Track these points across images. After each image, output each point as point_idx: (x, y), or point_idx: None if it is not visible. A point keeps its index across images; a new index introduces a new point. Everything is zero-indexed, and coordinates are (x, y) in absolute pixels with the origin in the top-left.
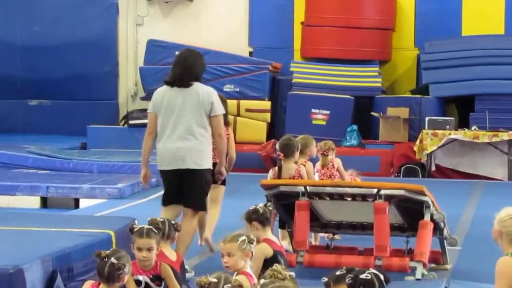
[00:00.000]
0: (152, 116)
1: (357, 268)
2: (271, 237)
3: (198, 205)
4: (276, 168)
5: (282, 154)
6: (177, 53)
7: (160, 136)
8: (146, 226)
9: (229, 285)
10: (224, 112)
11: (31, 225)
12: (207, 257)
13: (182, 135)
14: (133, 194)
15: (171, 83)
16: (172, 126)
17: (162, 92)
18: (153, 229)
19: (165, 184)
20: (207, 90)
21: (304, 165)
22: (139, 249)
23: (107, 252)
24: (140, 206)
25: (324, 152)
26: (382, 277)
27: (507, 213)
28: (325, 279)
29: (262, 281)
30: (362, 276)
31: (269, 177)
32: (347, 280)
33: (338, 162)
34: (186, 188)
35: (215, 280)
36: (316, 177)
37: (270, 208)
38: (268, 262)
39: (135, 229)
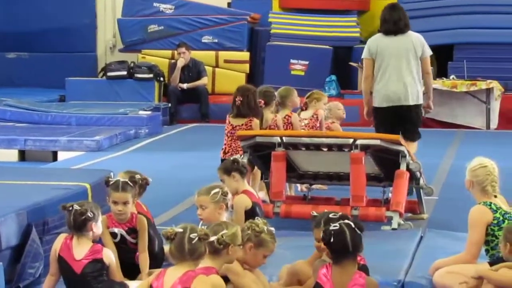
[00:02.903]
0: (369, 61)
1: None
2: (250, 189)
3: (414, 136)
4: None
5: (262, 102)
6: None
7: (380, 79)
8: (121, 180)
9: (195, 234)
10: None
11: (7, 179)
12: (185, 209)
13: (400, 76)
14: (111, 147)
15: (387, 32)
16: (390, 69)
17: (378, 39)
18: (129, 182)
19: (380, 121)
20: (417, 35)
21: (290, 116)
22: (115, 203)
23: (73, 203)
24: (118, 158)
25: (303, 107)
26: (353, 225)
27: (477, 163)
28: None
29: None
30: (332, 227)
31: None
32: (322, 236)
33: (321, 115)
34: (404, 122)
35: (180, 230)
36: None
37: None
38: (246, 214)
39: (111, 182)
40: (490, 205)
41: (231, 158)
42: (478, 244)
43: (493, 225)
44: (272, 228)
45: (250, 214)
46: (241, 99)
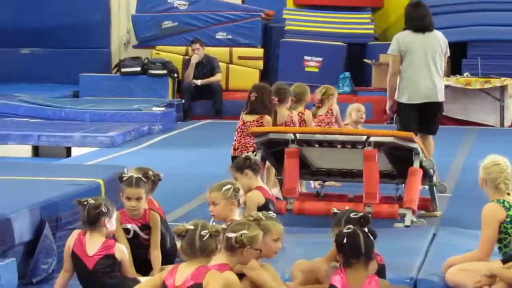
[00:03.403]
0: (398, 57)
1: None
2: (263, 185)
3: (436, 130)
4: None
5: (276, 99)
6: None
7: (411, 75)
8: (135, 175)
9: (206, 231)
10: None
11: (21, 174)
12: (197, 205)
13: (430, 74)
14: (125, 143)
15: (416, 29)
16: (421, 66)
17: (407, 36)
18: (142, 178)
19: (407, 116)
20: (441, 34)
21: (303, 113)
22: (128, 199)
23: (87, 198)
24: (132, 154)
25: (317, 103)
26: (367, 230)
27: (490, 160)
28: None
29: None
30: (345, 230)
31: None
32: (335, 239)
33: (336, 109)
34: (431, 118)
35: (192, 227)
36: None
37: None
38: (259, 210)
39: (124, 178)
40: (503, 203)
41: (243, 156)
42: (491, 242)
43: (506, 223)
44: (270, 213)
45: (263, 210)
46: (256, 95)
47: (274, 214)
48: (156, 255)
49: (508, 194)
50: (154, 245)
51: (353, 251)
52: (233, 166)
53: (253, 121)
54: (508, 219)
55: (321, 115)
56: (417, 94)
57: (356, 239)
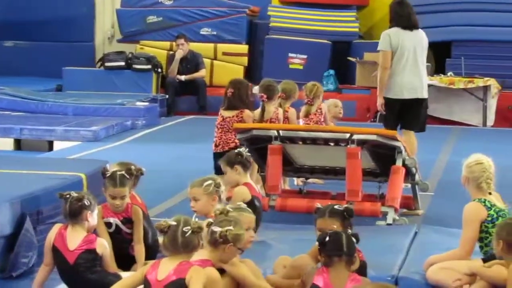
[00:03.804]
0: (389, 53)
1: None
2: (251, 182)
3: (420, 127)
4: (255, 111)
5: (265, 96)
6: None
7: (401, 71)
8: (118, 172)
9: (189, 227)
10: None
11: (2, 168)
12: (180, 201)
13: (417, 70)
14: (108, 137)
15: (405, 26)
16: (410, 62)
17: (398, 33)
18: (126, 175)
19: (392, 111)
20: (424, 33)
21: (287, 111)
22: (113, 198)
23: (70, 191)
24: (115, 149)
25: (309, 102)
26: (349, 232)
27: (474, 159)
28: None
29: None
30: (330, 231)
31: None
32: (317, 238)
33: (325, 108)
34: (416, 113)
35: (174, 223)
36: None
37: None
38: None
39: (107, 175)
40: (484, 202)
41: (236, 151)
42: (472, 240)
43: (487, 222)
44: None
45: (249, 206)
46: (233, 91)
47: (244, 205)
48: (139, 250)
49: (490, 193)
50: (137, 239)
51: (335, 250)
52: (224, 160)
53: (233, 116)
54: (489, 219)
55: (311, 114)
56: (404, 90)
57: (339, 238)
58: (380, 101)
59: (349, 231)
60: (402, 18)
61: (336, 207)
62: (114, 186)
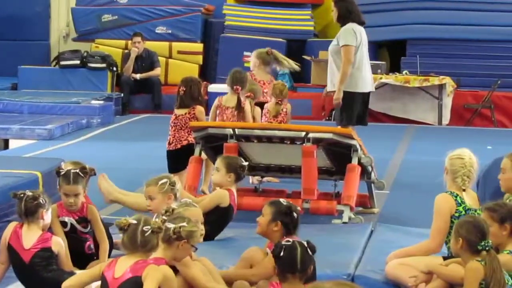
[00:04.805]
0: (354, 49)
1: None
2: (234, 191)
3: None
4: (222, 97)
5: (239, 88)
6: None
7: (362, 66)
8: (72, 170)
9: (149, 226)
10: None
11: None
12: None
13: (369, 64)
14: (63, 136)
15: (360, 22)
16: (366, 57)
17: (359, 29)
18: (80, 173)
19: (355, 105)
20: None
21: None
22: (66, 195)
23: (23, 190)
24: (70, 147)
25: (279, 101)
26: (306, 244)
27: (457, 153)
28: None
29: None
30: (284, 242)
31: (214, 105)
32: (272, 248)
33: (289, 108)
34: (366, 108)
35: (134, 221)
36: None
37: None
38: (220, 211)
39: (62, 173)
40: (456, 197)
41: (243, 163)
42: (443, 232)
43: (454, 217)
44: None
45: (224, 212)
46: (184, 89)
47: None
48: (103, 248)
49: (464, 190)
50: (100, 238)
51: (288, 265)
52: (225, 161)
53: (185, 114)
54: (457, 214)
55: (281, 114)
56: (368, 84)
57: (294, 253)
58: (339, 95)
59: (304, 242)
60: (355, 14)
61: (281, 200)
62: (68, 184)
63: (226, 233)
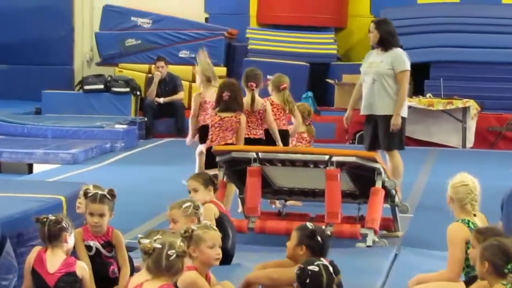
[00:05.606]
0: None
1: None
2: (216, 201)
3: None
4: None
5: (254, 85)
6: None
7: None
8: (100, 192)
9: (173, 250)
10: None
11: None
12: (159, 223)
13: None
14: (87, 160)
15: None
16: None
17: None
18: (107, 195)
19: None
20: None
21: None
22: (91, 214)
23: (46, 215)
24: (94, 171)
25: (310, 123)
26: (331, 268)
27: (460, 180)
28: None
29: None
30: (310, 267)
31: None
32: (295, 271)
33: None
34: None
35: (159, 246)
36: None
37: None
38: (217, 224)
39: (89, 194)
40: (468, 223)
41: (212, 174)
42: (459, 261)
43: (470, 243)
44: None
45: (219, 223)
46: (229, 94)
47: (208, 222)
48: (124, 273)
49: (475, 215)
50: (122, 263)
51: None
52: (199, 179)
53: (231, 117)
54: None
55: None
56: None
57: (320, 280)
58: (399, 121)
59: (329, 266)
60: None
61: (307, 224)
62: (93, 202)
63: (247, 257)
